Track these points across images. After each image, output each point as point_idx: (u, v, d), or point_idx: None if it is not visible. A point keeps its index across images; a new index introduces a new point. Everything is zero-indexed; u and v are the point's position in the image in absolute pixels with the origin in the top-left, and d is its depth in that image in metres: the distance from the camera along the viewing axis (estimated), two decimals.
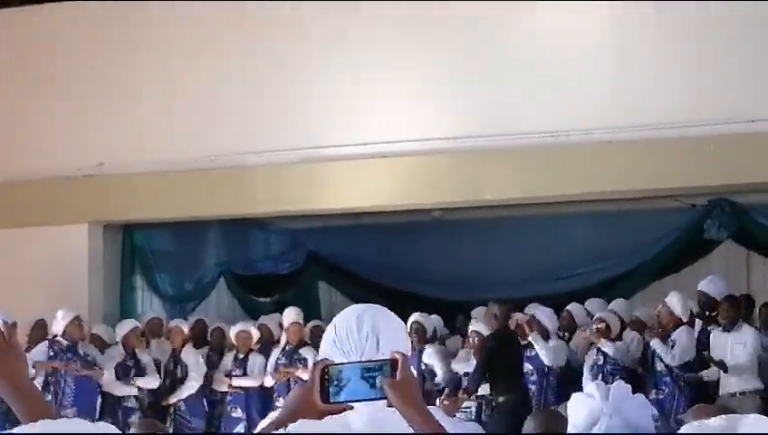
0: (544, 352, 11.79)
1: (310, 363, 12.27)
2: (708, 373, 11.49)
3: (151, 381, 12.46)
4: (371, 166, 12.48)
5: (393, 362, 2.65)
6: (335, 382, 2.62)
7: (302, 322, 12.93)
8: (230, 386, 12.65)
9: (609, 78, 12.02)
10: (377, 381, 2.62)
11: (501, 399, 11.15)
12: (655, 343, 11.54)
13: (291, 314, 12.96)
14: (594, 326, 11.96)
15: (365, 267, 15.81)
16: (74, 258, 13.45)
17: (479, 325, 12.09)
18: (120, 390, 12.23)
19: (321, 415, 2.65)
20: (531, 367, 11.91)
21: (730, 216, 13.82)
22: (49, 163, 13.46)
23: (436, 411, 4.01)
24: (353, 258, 15.91)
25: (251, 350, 12.84)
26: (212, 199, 13.14)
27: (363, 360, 2.75)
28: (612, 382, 4.16)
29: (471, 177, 12.33)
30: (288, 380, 12.43)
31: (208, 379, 12.69)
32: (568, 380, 11.85)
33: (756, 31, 11.69)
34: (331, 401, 2.61)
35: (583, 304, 13.11)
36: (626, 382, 4.05)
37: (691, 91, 11.76)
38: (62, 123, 13.62)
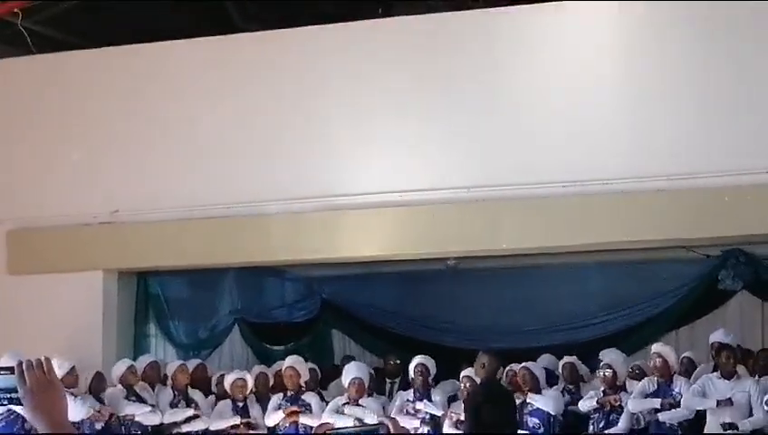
0: (544, 401, 11.76)
1: (314, 408, 12.27)
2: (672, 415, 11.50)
3: (151, 418, 12.45)
4: (388, 215, 12.50)
5: (385, 426, 2.64)
6: None
7: (298, 367, 12.81)
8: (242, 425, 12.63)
9: (625, 129, 12.05)
10: None
11: None
12: (662, 416, 11.51)
13: (288, 360, 12.94)
14: (601, 373, 11.98)
15: (379, 316, 15.80)
16: (89, 305, 13.47)
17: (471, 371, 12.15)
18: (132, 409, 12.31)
19: None
20: (536, 420, 11.86)
21: (744, 266, 13.82)
22: (64, 210, 13.51)
23: None
24: (367, 306, 15.90)
25: (246, 398, 12.79)
26: (227, 247, 13.16)
27: (358, 425, 2.75)
28: None
29: (487, 226, 12.33)
30: (296, 424, 12.39)
31: None
32: (570, 426, 11.88)
33: None
34: None
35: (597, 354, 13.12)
36: None
37: (705, 142, 11.78)
38: (78, 171, 13.67)
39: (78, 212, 13.51)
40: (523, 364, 12.22)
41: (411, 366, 12.37)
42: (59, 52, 14.00)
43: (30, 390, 2.93)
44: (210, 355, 14.47)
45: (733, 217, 11.73)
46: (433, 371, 12.59)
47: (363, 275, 15.20)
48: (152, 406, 12.48)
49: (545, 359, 13.09)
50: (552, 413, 11.81)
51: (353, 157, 12.73)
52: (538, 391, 11.95)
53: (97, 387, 12.46)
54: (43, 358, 3.00)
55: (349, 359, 14.64)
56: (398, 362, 13.61)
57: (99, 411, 11.98)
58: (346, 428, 2.86)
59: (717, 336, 12.08)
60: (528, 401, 11.81)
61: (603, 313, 14.53)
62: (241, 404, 12.70)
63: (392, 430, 2.72)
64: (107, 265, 13.69)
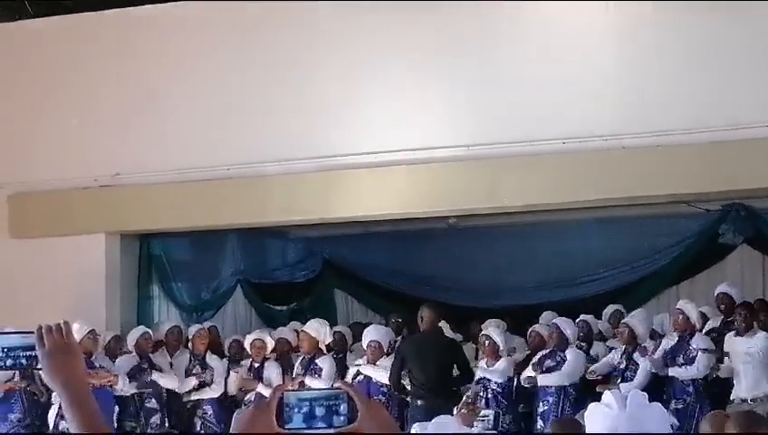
0: (559, 377, 11.76)
1: (324, 373, 12.29)
2: (721, 372, 11.46)
3: (170, 381, 12.49)
4: (386, 174, 12.50)
5: (347, 393, 2.64)
6: (292, 409, 2.61)
7: (318, 331, 12.70)
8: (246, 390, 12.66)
9: (624, 84, 12.02)
10: (340, 408, 2.62)
11: (419, 402, 11.14)
12: (674, 371, 11.46)
13: (307, 325, 12.84)
14: (618, 331, 11.99)
15: (380, 274, 15.87)
16: (91, 268, 13.49)
17: (490, 330, 12.17)
18: (134, 388, 12.28)
19: None
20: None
21: (745, 220, 13.82)
22: (65, 174, 13.52)
23: (454, 421, 4.07)
24: (369, 266, 15.97)
25: (266, 358, 12.84)
26: (228, 208, 13.18)
27: (319, 389, 2.75)
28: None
29: (486, 184, 12.33)
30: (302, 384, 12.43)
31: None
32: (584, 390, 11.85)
33: None
34: (286, 426, 2.61)
35: (601, 310, 13.16)
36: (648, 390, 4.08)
37: (704, 97, 11.74)
38: (79, 134, 13.68)
39: (79, 175, 13.52)
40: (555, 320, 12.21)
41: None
42: (57, 16, 13.95)
43: (48, 352, 2.97)
44: (213, 316, 14.50)
45: (733, 171, 11.71)
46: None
47: (364, 235, 15.26)
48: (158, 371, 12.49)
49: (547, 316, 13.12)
50: (499, 381, 11.78)
51: (352, 117, 12.72)
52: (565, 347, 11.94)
53: (114, 349, 12.51)
54: (62, 322, 3.04)
55: (357, 325, 14.62)
56: (400, 320, 13.66)
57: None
58: (309, 389, 2.92)
59: (723, 288, 12.08)
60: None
61: (604, 269, 14.58)
62: (258, 365, 12.71)
63: (355, 396, 2.78)
64: (109, 228, 13.71)
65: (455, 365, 11.72)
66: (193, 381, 12.59)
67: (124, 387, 12.07)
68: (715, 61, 11.81)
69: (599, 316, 13.13)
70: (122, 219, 13.66)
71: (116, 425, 12.00)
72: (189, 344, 12.90)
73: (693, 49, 11.91)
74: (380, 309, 15.55)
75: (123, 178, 13.51)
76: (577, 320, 12.41)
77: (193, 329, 13.06)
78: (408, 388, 11.62)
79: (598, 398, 4.27)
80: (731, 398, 11.16)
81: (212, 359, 12.78)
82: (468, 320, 13.88)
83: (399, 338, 13.27)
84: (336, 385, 2.75)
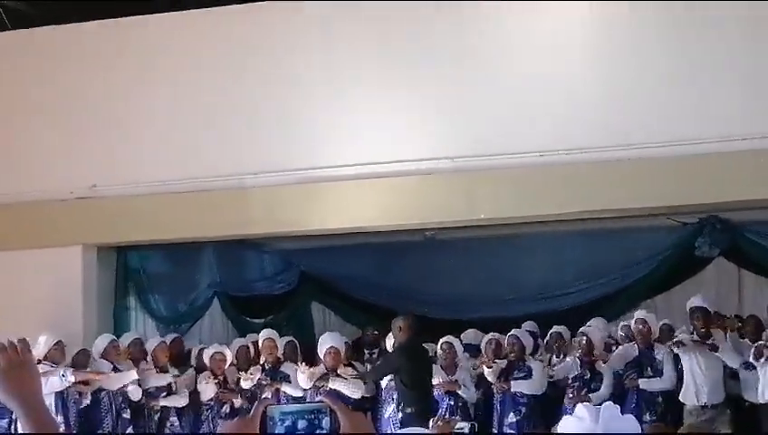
0: (527, 384, 11.92)
1: (293, 378, 12.37)
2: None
3: (136, 393, 12.47)
4: (364, 186, 12.50)
5: (329, 407, 2.65)
6: (275, 423, 2.63)
7: (275, 338, 13.06)
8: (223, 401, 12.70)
9: (601, 98, 12.06)
10: (323, 422, 2.64)
11: (408, 410, 11.19)
12: (643, 382, 11.60)
13: (263, 333, 13.19)
14: (576, 340, 12.14)
15: (358, 287, 15.88)
16: (68, 280, 13.44)
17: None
18: (122, 379, 12.29)
19: None
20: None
21: (721, 233, 13.90)
22: (42, 185, 13.47)
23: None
24: (346, 278, 15.98)
25: (225, 371, 12.88)
26: (206, 221, 13.14)
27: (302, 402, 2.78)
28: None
29: (464, 196, 12.35)
30: (278, 392, 12.52)
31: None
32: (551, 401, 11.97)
33: (744, 50, 11.74)
34: None
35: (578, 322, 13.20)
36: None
37: (681, 110, 11.79)
38: (55, 145, 13.62)
39: (55, 187, 13.47)
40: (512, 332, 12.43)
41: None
42: (32, 28, 13.92)
43: (2, 370, 2.96)
44: (190, 329, 14.48)
45: (709, 184, 11.76)
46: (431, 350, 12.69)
47: (342, 248, 15.26)
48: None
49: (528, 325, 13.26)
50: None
51: (331, 130, 12.72)
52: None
53: (81, 362, 12.42)
54: (16, 339, 3.03)
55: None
56: (377, 332, 13.69)
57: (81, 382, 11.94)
58: (288, 404, 2.91)
59: (695, 302, 12.15)
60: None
61: (581, 281, 14.63)
62: (221, 377, 12.78)
63: (338, 408, 2.78)
64: (85, 241, 13.65)
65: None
66: (169, 377, 12.63)
67: (111, 379, 12.11)
68: (691, 75, 11.87)
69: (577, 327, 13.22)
70: (99, 231, 13.60)
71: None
72: (149, 357, 12.89)
73: (669, 63, 11.96)
74: (357, 321, 15.56)
75: (100, 190, 13.47)
76: (550, 331, 12.65)
77: (153, 342, 13.07)
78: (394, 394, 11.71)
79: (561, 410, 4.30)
80: (686, 405, 11.33)
81: (173, 371, 12.84)
82: (445, 333, 13.90)
83: (376, 350, 13.28)
84: (318, 399, 2.77)
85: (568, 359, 12.15)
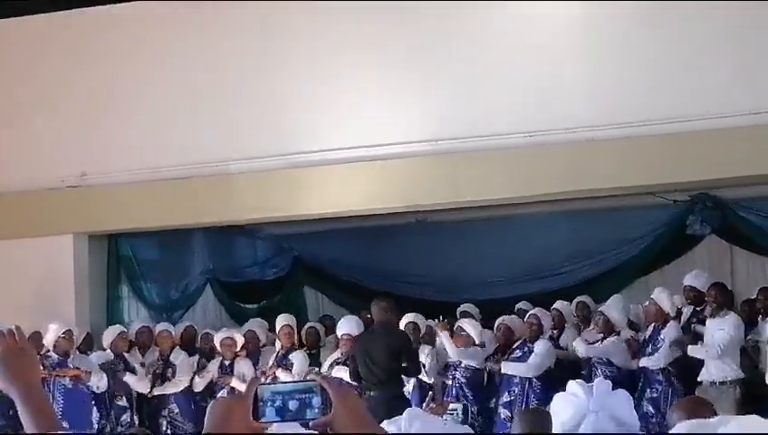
0: (524, 367, 11.88)
1: (296, 368, 12.33)
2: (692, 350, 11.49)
3: (141, 385, 12.62)
4: (353, 170, 12.49)
5: (320, 385, 2.65)
6: (265, 403, 2.63)
7: (292, 325, 12.99)
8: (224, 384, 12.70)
9: (587, 76, 12.04)
10: (313, 401, 2.63)
11: (370, 394, 11.13)
12: (644, 361, 11.53)
13: (281, 319, 13.05)
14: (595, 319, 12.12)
15: (350, 271, 15.89)
16: (60, 269, 13.45)
17: (464, 322, 12.35)
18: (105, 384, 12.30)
19: (250, 431, 2.63)
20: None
21: (712, 211, 13.90)
22: (32, 175, 13.46)
23: (425, 415, 4.07)
24: (339, 262, 15.99)
25: (236, 355, 12.88)
26: (196, 207, 13.15)
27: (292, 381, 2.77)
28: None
29: (452, 178, 12.33)
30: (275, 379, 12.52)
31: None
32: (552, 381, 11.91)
33: (734, 26, 11.73)
34: (260, 419, 2.62)
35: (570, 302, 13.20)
36: (622, 381, 4.13)
37: (670, 88, 11.77)
38: (45, 134, 13.62)
39: (45, 176, 13.46)
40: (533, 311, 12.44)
41: (403, 325, 12.35)
42: (22, 17, 13.88)
43: (1, 357, 2.97)
44: (183, 316, 14.48)
45: (699, 161, 11.73)
46: (424, 328, 12.65)
47: (334, 232, 15.25)
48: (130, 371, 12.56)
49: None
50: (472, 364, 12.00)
51: (318, 114, 12.70)
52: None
53: (85, 348, 12.59)
54: (13, 326, 3.04)
55: (327, 318, 14.72)
56: (369, 316, 13.67)
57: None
58: (284, 382, 2.93)
59: (689, 280, 12.12)
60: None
61: (572, 261, 14.63)
62: (228, 362, 12.80)
63: (329, 387, 2.78)
64: (76, 229, 13.65)
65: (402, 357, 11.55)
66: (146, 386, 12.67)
67: (99, 383, 12.08)
68: (681, 52, 11.84)
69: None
70: (90, 220, 13.60)
71: (96, 426, 12.03)
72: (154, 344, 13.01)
73: (658, 40, 11.94)
74: (350, 305, 15.55)
75: (90, 178, 13.46)
76: (551, 308, 12.62)
77: (157, 328, 13.15)
78: None
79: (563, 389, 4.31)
80: (701, 381, 11.21)
81: (176, 355, 12.88)
82: (438, 315, 13.90)
83: None
84: (309, 377, 2.76)
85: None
